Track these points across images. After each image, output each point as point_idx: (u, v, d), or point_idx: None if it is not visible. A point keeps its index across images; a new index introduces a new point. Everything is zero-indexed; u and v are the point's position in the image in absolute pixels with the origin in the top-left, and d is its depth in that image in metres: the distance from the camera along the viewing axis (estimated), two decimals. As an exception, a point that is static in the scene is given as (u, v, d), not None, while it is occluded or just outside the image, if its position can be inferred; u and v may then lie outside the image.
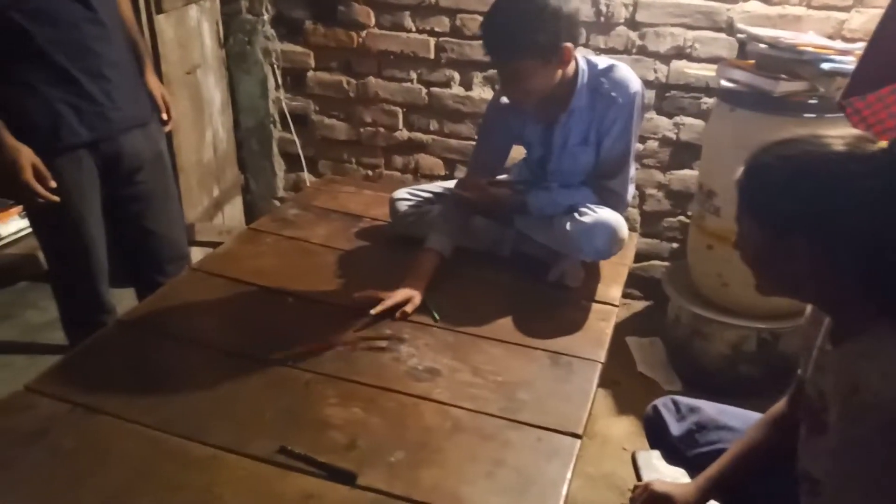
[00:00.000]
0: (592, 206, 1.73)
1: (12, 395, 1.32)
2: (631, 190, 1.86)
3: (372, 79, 2.88)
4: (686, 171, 2.65)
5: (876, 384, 0.89)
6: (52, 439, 1.21)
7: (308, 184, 3.00)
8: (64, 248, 1.79)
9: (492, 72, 2.72)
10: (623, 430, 2.18)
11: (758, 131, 2.00)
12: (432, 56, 2.77)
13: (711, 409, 1.40)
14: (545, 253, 1.85)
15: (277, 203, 3.12)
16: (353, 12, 2.78)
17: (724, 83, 2.17)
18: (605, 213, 1.72)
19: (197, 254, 2.21)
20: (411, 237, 1.87)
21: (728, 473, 1.25)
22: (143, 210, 1.90)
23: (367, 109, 2.94)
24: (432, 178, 2.93)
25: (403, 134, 2.94)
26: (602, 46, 2.54)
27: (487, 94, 2.75)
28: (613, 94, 1.71)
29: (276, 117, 3.05)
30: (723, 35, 2.43)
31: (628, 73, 1.73)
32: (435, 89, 2.83)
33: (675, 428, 1.39)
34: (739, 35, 2.35)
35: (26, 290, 2.60)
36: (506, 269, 1.88)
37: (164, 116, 1.96)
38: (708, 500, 1.25)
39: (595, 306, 1.73)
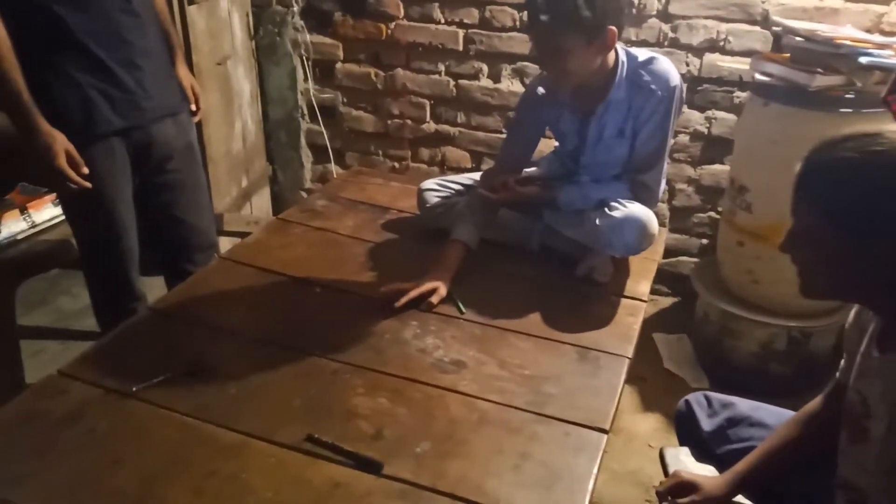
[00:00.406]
0: (623, 201, 1.71)
1: (46, 379, 1.34)
2: (662, 185, 1.84)
3: (400, 71, 2.88)
4: (717, 166, 2.62)
5: None
6: (86, 423, 1.23)
7: (335, 175, 3.02)
8: (96, 234, 1.81)
9: (521, 64, 2.71)
10: (649, 426, 2.17)
11: (792, 126, 2.00)
12: (461, 48, 2.76)
13: (745, 406, 1.37)
14: (573, 247, 1.83)
15: (304, 194, 3.14)
16: (382, 4, 2.78)
17: (758, 77, 2.13)
18: (636, 208, 1.69)
19: (225, 244, 2.23)
20: (439, 229, 1.87)
21: (758, 469, 1.22)
22: (174, 199, 1.92)
23: (394, 101, 2.94)
24: (459, 170, 2.92)
25: (431, 126, 2.94)
26: (633, 38, 2.51)
27: (516, 86, 2.74)
28: (653, 86, 1.68)
29: (305, 109, 3.06)
30: (757, 28, 2.40)
31: (669, 66, 1.70)
32: (463, 81, 2.82)
33: (707, 424, 1.36)
34: (775, 28, 2.32)
35: (59, 277, 2.63)
36: (533, 263, 1.87)
37: (194, 107, 1.98)
38: (736, 495, 1.23)
39: (623, 301, 1.71)
